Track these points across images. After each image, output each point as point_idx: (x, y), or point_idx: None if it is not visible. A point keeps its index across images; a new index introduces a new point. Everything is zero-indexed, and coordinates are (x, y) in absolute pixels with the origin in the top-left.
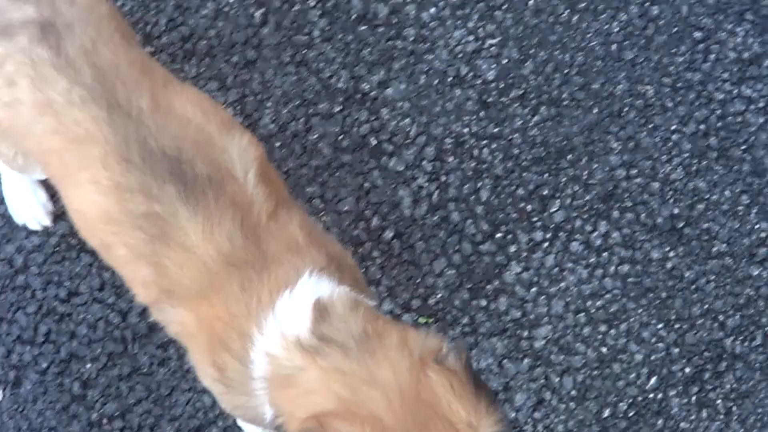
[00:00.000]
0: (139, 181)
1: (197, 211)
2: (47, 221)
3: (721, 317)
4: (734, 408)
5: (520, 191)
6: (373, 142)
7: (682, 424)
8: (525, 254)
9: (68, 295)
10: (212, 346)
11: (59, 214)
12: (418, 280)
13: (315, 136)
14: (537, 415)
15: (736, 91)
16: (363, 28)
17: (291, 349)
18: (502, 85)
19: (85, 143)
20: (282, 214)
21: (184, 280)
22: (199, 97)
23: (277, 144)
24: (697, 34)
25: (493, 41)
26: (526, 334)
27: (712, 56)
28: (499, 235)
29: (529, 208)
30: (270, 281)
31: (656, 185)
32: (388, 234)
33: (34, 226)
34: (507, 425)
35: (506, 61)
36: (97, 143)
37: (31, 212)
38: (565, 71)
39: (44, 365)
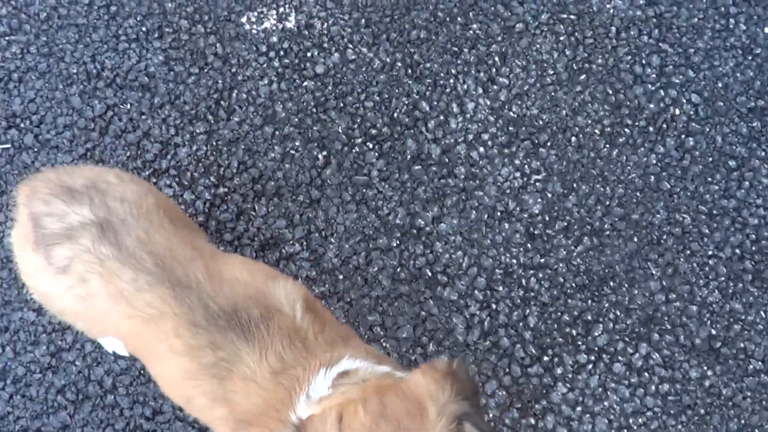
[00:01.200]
0: (206, 338)
1: (254, 345)
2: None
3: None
4: None
5: (566, 317)
6: (429, 273)
7: None
8: (570, 375)
9: (153, 413)
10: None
11: None
12: None
13: (375, 269)
14: None
15: None
16: (417, 167)
17: (312, 406)
18: (548, 218)
19: (158, 320)
20: (328, 331)
21: (249, 407)
22: (243, 261)
23: (341, 276)
24: (732, 163)
25: (539, 177)
26: None
27: (746, 183)
28: (546, 358)
29: (573, 332)
30: (310, 367)
31: (694, 308)
32: (443, 358)
33: (122, 352)
34: None
35: (551, 195)
36: (167, 318)
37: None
38: (607, 203)
39: None
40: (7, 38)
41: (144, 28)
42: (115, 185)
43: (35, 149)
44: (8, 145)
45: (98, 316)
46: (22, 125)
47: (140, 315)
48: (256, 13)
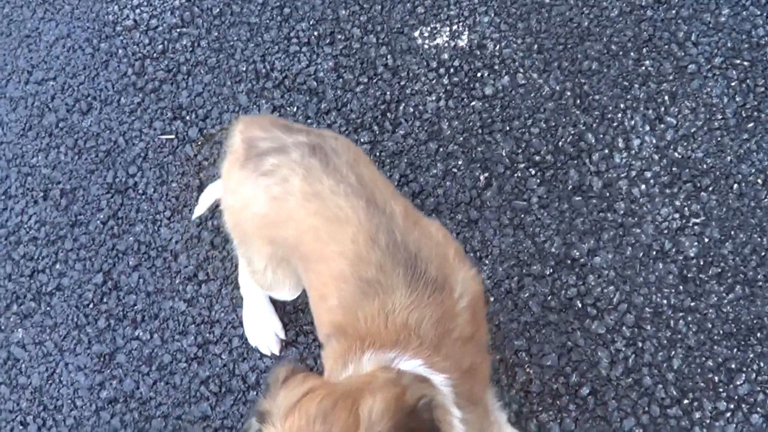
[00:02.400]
0: (378, 258)
1: (411, 295)
2: (276, 350)
3: None
4: None
5: (710, 362)
6: (579, 305)
7: None
8: (708, 421)
9: None
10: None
11: (289, 342)
12: None
13: (526, 295)
14: None
15: None
16: (578, 198)
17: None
18: (702, 262)
19: (342, 223)
20: (471, 344)
21: (360, 327)
22: (442, 227)
23: (491, 299)
24: None
25: (697, 220)
26: None
27: None
28: (686, 401)
29: (716, 378)
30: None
31: None
32: (585, 390)
33: (265, 351)
34: None
35: (708, 239)
36: (352, 224)
37: (264, 338)
38: (762, 254)
39: None
40: (178, 30)
41: (316, 33)
42: (329, 135)
43: (198, 142)
44: (172, 136)
45: (284, 217)
46: (187, 117)
47: (328, 213)
48: (429, 29)
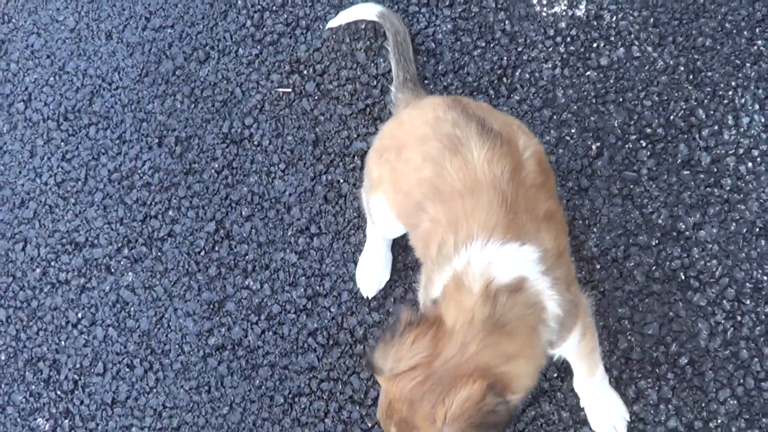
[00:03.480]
0: (453, 117)
1: (484, 144)
2: (371, 294)
3: None
4: None
5: None
6: (682, 276)
7: None
8: None
9: None
10: (449, 227)
11: (397, 298)
12: (703, 404)
13: (631, 264)
14: None
15: None
16: (686, 172)
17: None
18: None
19: (426, 109)
20: (543, 190)
21: (454, 181)
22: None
23: (597, 266)
24: None
25: None
26: None
27: None
28: None
29: None
30: (508, 231)
31: None
32: (683, 360)
33: (363, 291)
34: None
35: None
36: (434, 104)
37: (367, 280)
38: None
39: (369, 425)
40: None
41: None
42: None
43: (315, 97)
44: (290, 90)
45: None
46: (305, 72)
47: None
48: None
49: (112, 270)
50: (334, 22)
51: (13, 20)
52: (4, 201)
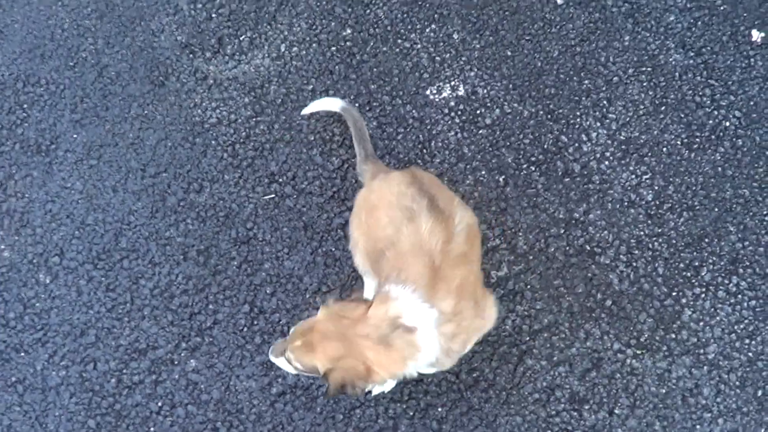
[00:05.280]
0: (412, 193)
1: (429, 219)
2: None
3: None
4: None
5: (681, 265)
6: (588, 248)
7: None
8: (692, 302)
9: None
10: (395, 268)
11: None
12: (631, 327)
13: (552, 249)
14: None
15: None
16: (567, 179)
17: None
18: (658, 202)
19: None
20: (465, 261)
21: (406, 241)
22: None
23: (530, 257)
24: None
25: (647, 176)
26: None
27: None
28: (674, 293)
29: (688, 274)
30: (428, 291)
31: None
32: (608, 302)
33: None
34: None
35: (657, 186)
36: (397, 178)
37: None
38: (694, 188)
39: (411, 414)
40: (254, 119)
41: (357, 104)
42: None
43: (294, 196)
44: (273, 195)
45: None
46: (280, 180)
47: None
48: (435, 87)
49: (176, 362)
50: (306, 110)
51: (26, 195)
52: (67, 335)
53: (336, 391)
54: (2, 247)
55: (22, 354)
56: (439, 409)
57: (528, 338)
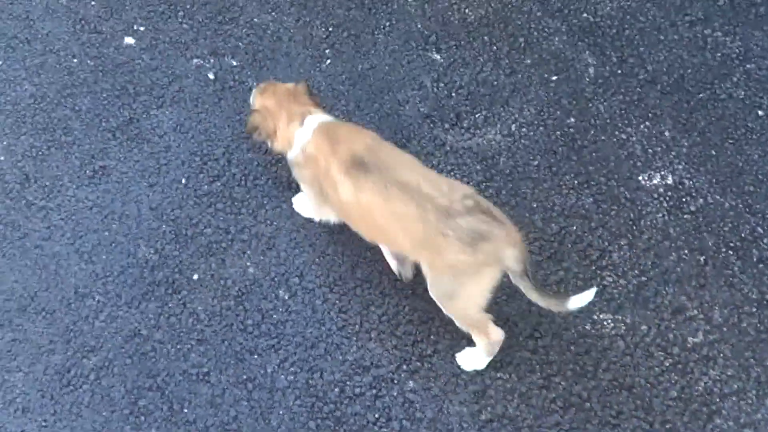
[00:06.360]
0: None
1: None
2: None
3: None
4: None
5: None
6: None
7: None
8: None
9: None
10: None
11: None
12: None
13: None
14: None
15: None
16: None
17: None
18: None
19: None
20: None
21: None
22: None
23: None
24: None
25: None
26: None
27: None
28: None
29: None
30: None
31: None
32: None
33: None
34: None
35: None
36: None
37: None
38: None
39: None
40: (485, 184)
41: (577, 181)
42: None
43: None
44: None
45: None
46: None
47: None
48: (647, 175)
49: (396, 381)
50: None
51: (275, 223)
52: (298, 345)
53: (250, 128)
54: (248, 264)
55: (256, 356)
56: None
57: (718, 400)
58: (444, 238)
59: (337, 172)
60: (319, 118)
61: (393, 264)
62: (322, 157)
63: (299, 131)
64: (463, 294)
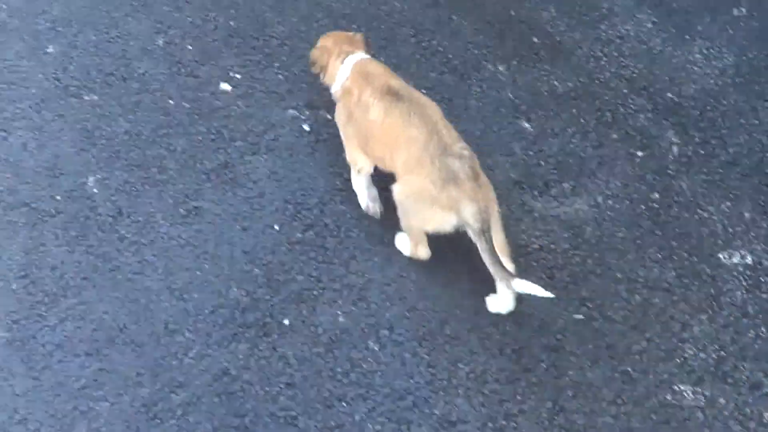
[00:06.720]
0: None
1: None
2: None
3: None
4: None
5: None
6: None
7: None
8: None
9: None
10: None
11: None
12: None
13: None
14: None
15: None
16: None
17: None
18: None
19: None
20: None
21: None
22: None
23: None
24: None
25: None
26: None
27: None
28: None
29: None
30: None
31: None
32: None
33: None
34: None
35: None
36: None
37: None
38: None
39: None
40: (571, 252)
41: (660, 255)
42: None
43: (599, 320)
44: (582, 317)
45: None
46: (589, 305)
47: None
48: (727, 253)
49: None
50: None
51: (366, 275)
52: (387, 396)
53: (311, 62)
54: (339, 313)
55: (344, 404)
56: None
57: None
58: (431, 166)
59: (370, 97)
60: (359, 56)
61: (363, 200)
62: (356, 88)
63: (342, 67)
64: (415, 218)
